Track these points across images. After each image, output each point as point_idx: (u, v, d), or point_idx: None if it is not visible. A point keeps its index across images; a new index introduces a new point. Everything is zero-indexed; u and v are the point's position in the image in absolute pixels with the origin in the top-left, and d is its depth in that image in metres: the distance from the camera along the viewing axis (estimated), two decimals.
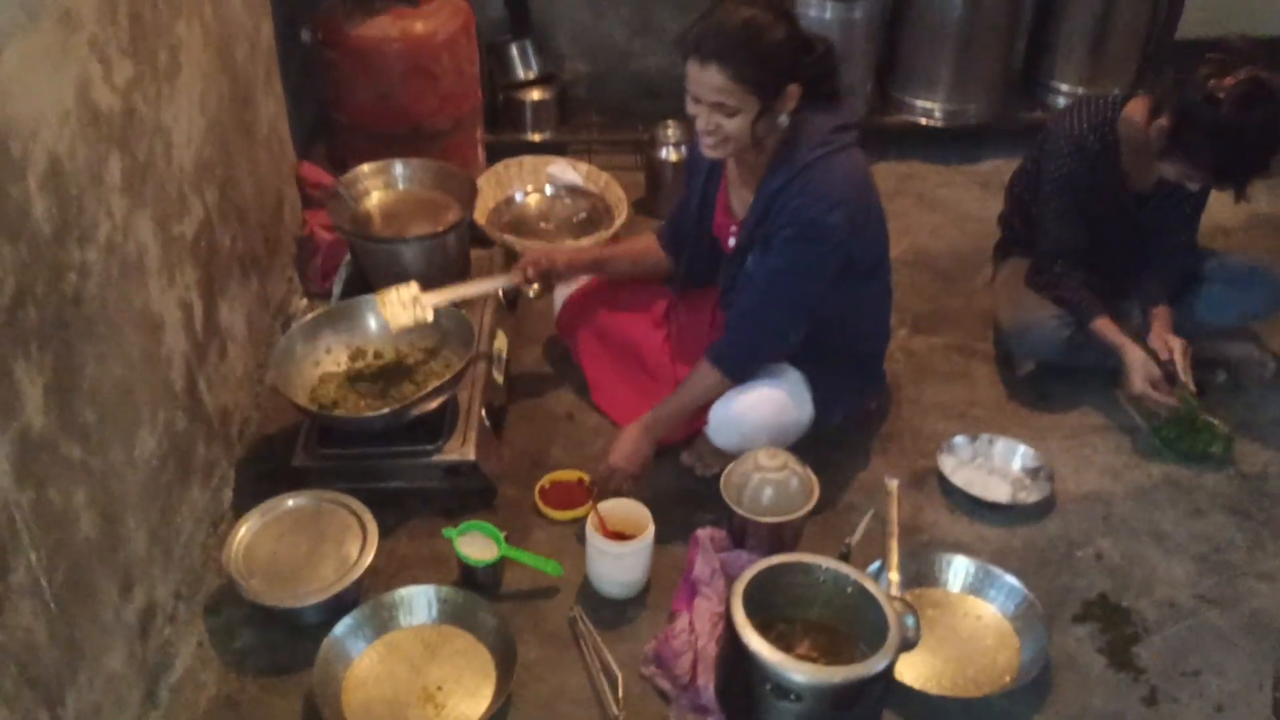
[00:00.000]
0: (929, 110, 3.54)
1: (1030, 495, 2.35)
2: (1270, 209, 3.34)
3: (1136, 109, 2.42)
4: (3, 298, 1.42)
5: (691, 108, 2.05)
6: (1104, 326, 2.50)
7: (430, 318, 2.31)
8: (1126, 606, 2.13)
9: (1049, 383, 2.66)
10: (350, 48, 2.80)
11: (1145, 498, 2.37)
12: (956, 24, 3.37)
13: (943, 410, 2.60)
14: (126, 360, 1.80)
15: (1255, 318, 2.68)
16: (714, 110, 2.01)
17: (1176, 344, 2.46)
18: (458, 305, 2.40)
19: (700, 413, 2.28)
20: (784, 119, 2.06)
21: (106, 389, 1.72)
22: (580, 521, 2.19)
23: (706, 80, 1.97)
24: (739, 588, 1.84)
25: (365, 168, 2.69)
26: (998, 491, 2.35)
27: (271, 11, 2.75)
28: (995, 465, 2.42)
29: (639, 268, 2.54)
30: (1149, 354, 2.45)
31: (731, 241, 2.28)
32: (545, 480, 2.36)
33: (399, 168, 2.70)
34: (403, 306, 2.28)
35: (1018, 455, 2.43)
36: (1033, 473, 2.40)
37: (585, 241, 2.97)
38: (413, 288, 2.32)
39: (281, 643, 2.03)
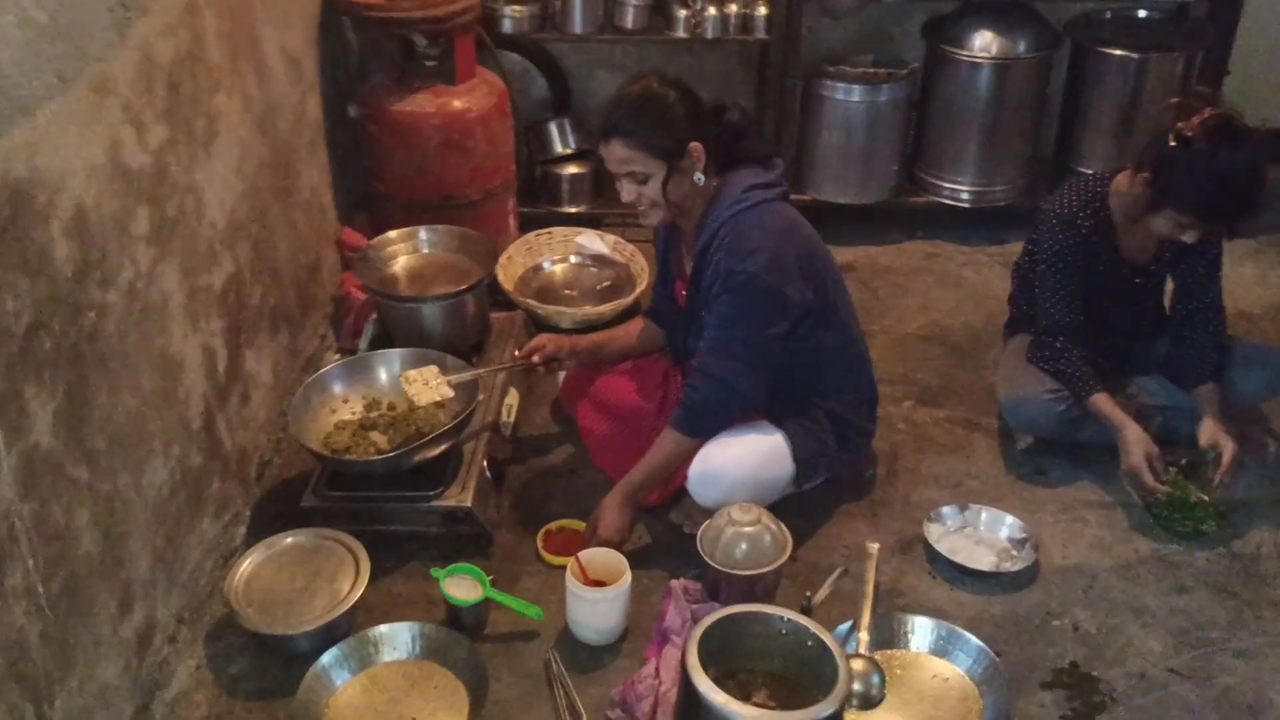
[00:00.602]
0: (955, 191, 3.62)
1: (1013, 565, 2.37)
2: None
3: (1123, 180, 2.49)
4: (18, 327, 1.60)
5: (618, 185, 2.25)
6: (1102, 402, 2.54)
7: (451, 394, 2.46)
8: (1096, 676, 2.13)
9: (1047, 457, 2.68)
10: (390, 122, 3.01)
11: (1130, 573, 2.38)
12: (982, 106, 3.47)
13: (938, 481, 2.64)
14: (141, 395, 1.97)
15: (1255, 400, 2.68)
16: (629, 180, 2.22)
17: (1228, 448, 2.46)
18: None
19: (684, 471, 2.37)
20: (699, 177, 2.24)
21: (118, 420, 1.89)
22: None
23: (613, 154, 2.20)
24: (696, 632, 1.91)
25: (393, 233, 2.89)
26: (981, 560, 2.38)
27: (320, 87, 2.99)
28: (982, 535, 2.45)
29: (636, 348, 2.70)
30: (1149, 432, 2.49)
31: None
32: (552, 525, 2.47)
33: (424, 233, 2.89)
34: (425, 385, 2.44)
35: (1005, 526, 2.46)
36: (1018, 543, 2.43)
37: (605, 308, 3.12)
38: (434, 370, 2.49)
39: (274, 670, 2.15)
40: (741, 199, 2.24)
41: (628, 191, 2.25)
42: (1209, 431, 2.48)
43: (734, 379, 2.27)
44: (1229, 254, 3.32)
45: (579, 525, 2.46)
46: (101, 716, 1.85)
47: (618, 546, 2.32)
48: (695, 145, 2.22)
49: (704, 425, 2.32)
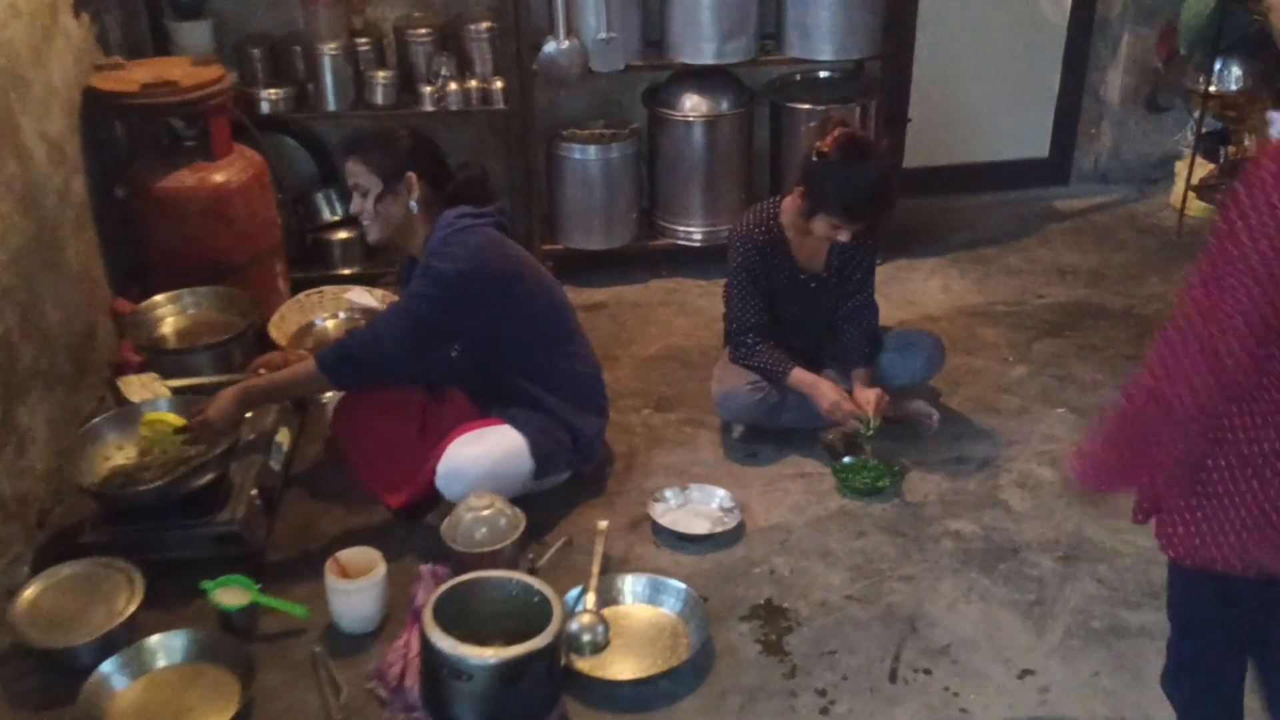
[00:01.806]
0: (688, 233, 4.10)
1: (722, 528, 2.77)
2: (971, 299, 3.92)
3: (790, 200, 2.99)
4: None
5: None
6: (798, 375, 3.00)
7: (167, 394, 2.73)
8: (786, 607, 2.54)
9: (758, 443, 3.12)
10: (155, 198, 3.28)
11: (820, 525, 2.81)
12: (699, 158, 3.97)
13: (667, 470, 3.04)
14: None
15: (919, 379, 3.20)
16: (356, 193, 2.66)
17: (871, 395, 2.95)
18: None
19: (429, 474, 2.69)
20: (413, 205, 2.66)
21: None
22: None
23: (349, 169, 2.67)
24: (432, 599, 2.23)
25: (160, 297, 3.16)
26: (696, 526, 2.78)
27: (85, 169, 3.23)
28: (698, 508, 2.85)
29: None
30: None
31: None
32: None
33: (188, 296, 3.18)
34: (141, 386, 2.71)
35: (716, 498, 2.87)
36: (728, 511, 2.83)
37: None
38: (152, 376, 2.80)
39: (60, 683, 2.32)
40: (454, 222, 2.66)
41: (355, 204, 2.70)
42: (859, 392, 2.99)
43: (386, 340, 2.62)
44: (919, 270, 3.94)
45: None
46: None
47: (219, 433, 2.62)
48: (411, 175, 2.65)
49: (343, 369, 2.63)
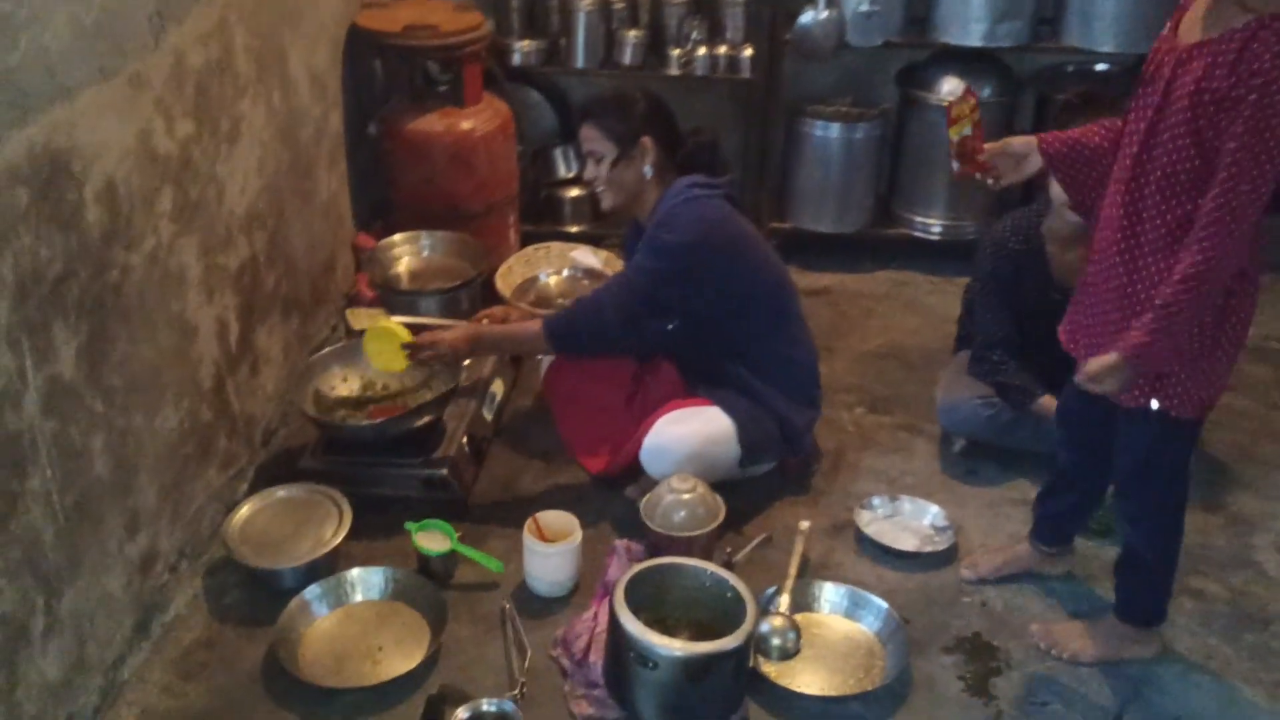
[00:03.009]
0: (926, 225, 3.88)
1: (933, 548, 2.60)
2: None
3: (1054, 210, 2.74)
4: (50, 273, 1.91)
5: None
6: (1049, 402, 2.76)
7: (388, 323, 2.71)
8: (996, 645, 2.35)
9: (980, 460, 2.91)
10: (404, 139, 3.35)
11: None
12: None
13: (876, 476, 2.88)
14: (157, 349, 2.28)
15: None
16: (591, 159, 2.58)
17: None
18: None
19: (635, 447, 2.64)
20: (647, 170, 2.57)
21: (134, 366, 2.20)
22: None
23: (583, 135, 2.59)
24: (625, 577, 2.17)
25: (398, 237, 3.22)
26: (905, 542, 2.61)
27: (343, 105, 3.33)
28: (907, 522, 2.68)
29: None
30: None
31: None
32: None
33: (425, 238, 3.23)
34: (369, 318, 2.78)
35: (929, 514, 2.69)
36: (941, 530, 2.65)
37: None
38: (379, 311, 2.85)
39: (262, 602, 2.42)
40: (685, 191, 2.57)
41: (589, 170, 2.64)
42: None
43: (608, 310, 2.57)
44: None
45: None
46: (103, 621, 2.14)
47: (444, 360, 2.69)
48: (645, 140, 2.56)
49: (565, 336, 2.60)
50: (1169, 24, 1.95)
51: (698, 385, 2.75)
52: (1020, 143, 2.18)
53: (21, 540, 1.88)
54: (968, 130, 2.20)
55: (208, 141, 2.46)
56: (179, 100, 2.32)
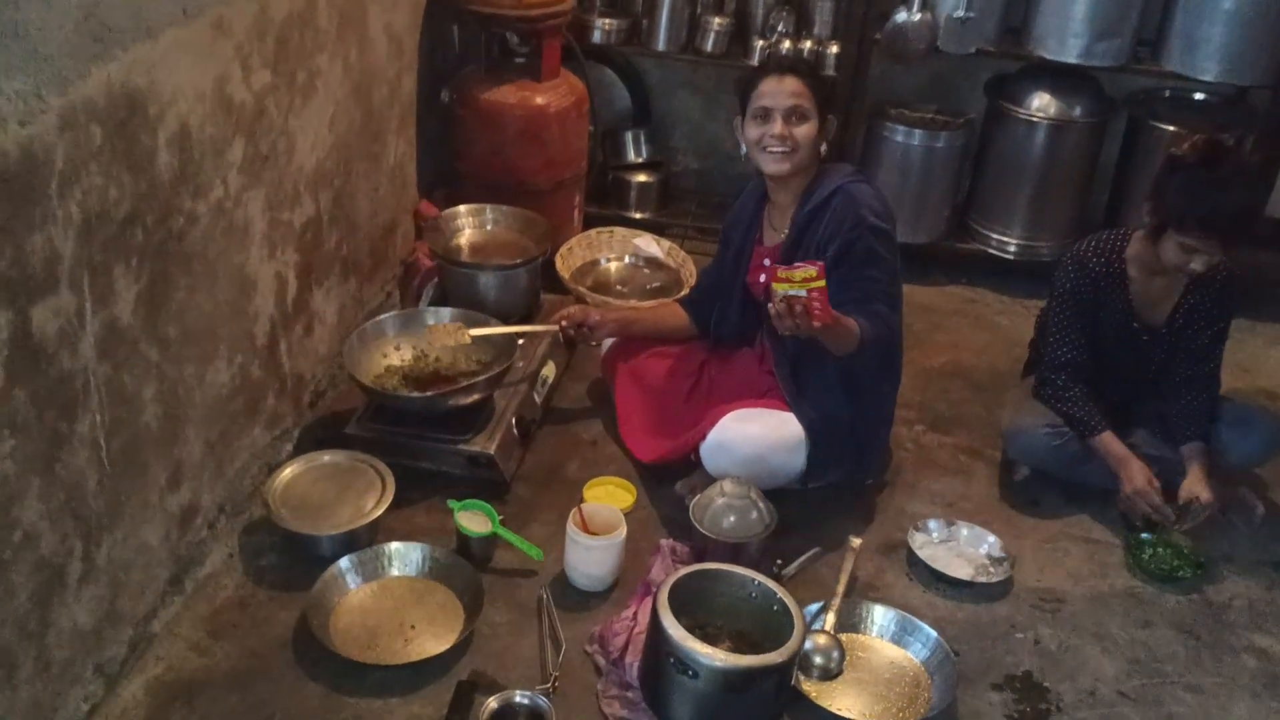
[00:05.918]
0: (1002, 243, 3.77)
1: (988, 578, 2.50)
2: None
3: (1141, 237, 2.62)
4: (117, 214, 1.86)
5: (759, 128, 2.47)
6: (1109, 441, 2.65)
7: (468, 340, 2.74)
8: (1047, 686, 2.26)
9: (1042, 490, 2.81)
10: (476, 108, 3.28)
11: (1100, 602, 2.49)
12: (1036, 164, 3.61)
13: (933, 497, 2.79)
14: (215, 301, 2.24)
15: (1251, 463, 2.77)
16: (789, 115, 2.44)
17: (1202, 493, 2.59)
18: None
19: (698, 438, 2.56)
20: (824, 147, 2.51)
21: (191, 317, 2.15)
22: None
23: (786, 87, 2.45)
24: (670, 580, 2.10)
25: (462, 208, 3.16)
26: (958, 570, 2.52)
27: (418, 68, 3.27)
28: (963, 549, 2.59)
29: (662, 330, 2.90)
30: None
31: (762, 277, 2.57)
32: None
33: (490, 211, 3.16)
34: (446, 334, 2.74)
35: (986, 543, 2.59)
36: (996, 561, 2.56)
37: (650, 305, 3.32)
38: (457, 326, 2.79)
39: (297, 567, 2.38)
40: (853, 174, 2.53)
41: (782, 128, 2.43)
42: (1190, 483, 2.60)
43: (889, 318, 2.53)
44: (1260, 335, 3.45)
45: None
46: (139, 573, 2.10)
47: (588, 340, 2.80)
48: (832, 118, 2.53)
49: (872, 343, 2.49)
50: None
51: (787, 382, 2.61)
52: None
53: (65, 484, 1.84)
54: (800, 293, 2.18)
55: (283, 94, 2.41)
56: (259, 49, 2.27)
